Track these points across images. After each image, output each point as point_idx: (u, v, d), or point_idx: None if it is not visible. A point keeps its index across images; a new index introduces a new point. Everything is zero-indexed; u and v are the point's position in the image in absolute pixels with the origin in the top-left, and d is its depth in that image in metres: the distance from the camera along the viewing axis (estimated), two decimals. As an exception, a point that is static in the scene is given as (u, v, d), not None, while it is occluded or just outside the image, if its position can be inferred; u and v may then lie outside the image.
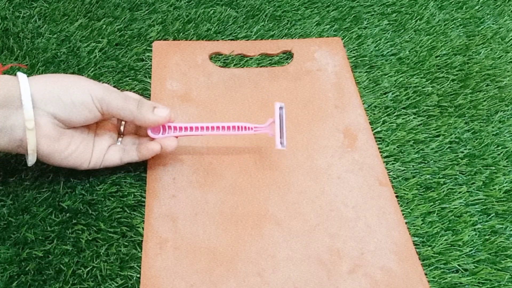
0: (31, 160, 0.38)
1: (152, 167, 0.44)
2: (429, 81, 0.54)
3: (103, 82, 0.40)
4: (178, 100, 0.49)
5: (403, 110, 0.51)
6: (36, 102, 0.36)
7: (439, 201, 0.44)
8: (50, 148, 0.37)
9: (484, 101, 0.53)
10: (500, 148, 0.49)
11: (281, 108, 0.42)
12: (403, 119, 0.50)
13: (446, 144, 0.48)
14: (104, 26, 0.55)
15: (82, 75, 0.39)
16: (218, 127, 0.42)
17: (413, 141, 0.48)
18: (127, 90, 0.49)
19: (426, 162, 0.47)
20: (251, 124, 0.42)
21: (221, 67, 0.53)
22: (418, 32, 0.60)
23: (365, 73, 0.54)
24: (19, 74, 0.37)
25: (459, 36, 0.60)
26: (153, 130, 0.41)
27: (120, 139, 0.43)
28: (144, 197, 0.42)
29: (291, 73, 0.53)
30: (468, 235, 0.42)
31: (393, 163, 0.46)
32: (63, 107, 0.37)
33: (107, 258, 0.38)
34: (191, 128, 0.42)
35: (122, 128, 0.43)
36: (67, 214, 0.40)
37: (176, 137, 0.42)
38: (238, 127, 0.42)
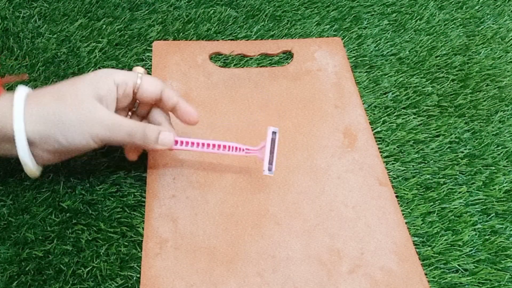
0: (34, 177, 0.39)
1: (152, 167, 0.44)
2: (429, 81, 0.54)
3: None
4: (178, 100, 0.49)
5: (403, 110, 0.51)
6: (34, 143, 0.36)
7: (439, 201, 0.44)
8: (50, 163, 0.39)
9: (484, 101, 0.53)
10: (500, 148, 0.49)
11: (274, 132, 0.41)
12: (403, 119, 0.50)
13: (446, 144, 0.49)
14: (104, 26, 0.55)
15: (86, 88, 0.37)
16: (208, 145, 0.41)
17: (413, 141, 0.48)
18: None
19: (426, 162, 0.47)
20: (243, 145, 0.42)
21: (221, 67, 0.53)
22: (418, 32, 0.60)
23: (365, 73, 0.54)
24: (16, 108, 0.35)
25: (459, 36, 0.60)
26: None
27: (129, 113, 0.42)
28: (144, 197, 0.42)
29: (291, 73, 0.53)
30: (468, 235, 0.42)
31: (393, 163, 0.46)
32: (60, 147, 0.36)
33: (107, 258, 0.38)
34: (187, 143, 0.41)
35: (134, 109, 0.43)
36: (67, 214, 0.40)
37: (171, 149, 0.42)
38: (230, 147, 0.42)
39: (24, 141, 0.35)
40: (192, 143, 0.41)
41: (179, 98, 0.41)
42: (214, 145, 0.41)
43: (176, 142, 0.41)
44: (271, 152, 0.41)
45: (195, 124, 0.42)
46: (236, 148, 0.42)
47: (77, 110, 0.36)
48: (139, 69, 0.42)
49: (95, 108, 0.36)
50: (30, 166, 0.37)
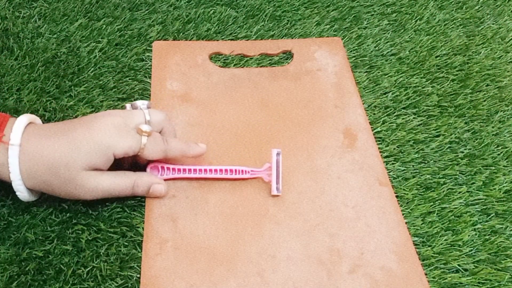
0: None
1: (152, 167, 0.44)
2: (429, 81, 0.54)
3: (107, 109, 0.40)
4: (178, 100, 0.49)
5: (403, 110, 0.51)
6: (27, 183, 0.37)
7: (439, 201, 0.44)
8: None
9: (484, 101, 0.53)
10: (500, 148, 0.49)
11: (278, 154, 0.43)
12: (403, 119, 0.50)
13: (446, 144, 0.48)
14: (104, 26, 0.55)
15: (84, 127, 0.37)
16: (215, 170, 0.43)
17: (413, 141, 0.48)
18: (127, 89, 0.49)
19: (426, 162, 0.47)
20: (248, 167, 0.43)
21: (221, 67, 0.53)
22: (418, 32, 0.60)
23: (365, 73, 0.54)
24: (10, 163, 0.36)
25: (459, 36, 0.60)
26: (152, 169, 0.42)
27: None
28: (144, 197, 0.42)
29: (291, 73, 0.53)
30: (468, 235, 0.42)
31: (393, 163, 0.46)
32: (53, 187, 0.38)
33: (107, 258, 0.38)
34: (189, 170, 0.42)
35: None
36: (67, 214, 0.40)
37: (174, 179, 0.42)
38: (236, 170, 0.43)
39: (23, 188, 0.38)
40: (195, 170, 0.42)
41: (185, 148, 0.41)
42: (220, 170, 0.43)
43: (179, 170, 0.42)
44: (277, 173, 0.43)
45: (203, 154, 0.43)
46: (242, 171, 0.43)
47: (66, 185, 0.37)
48: (140, 113, 0.40)
49: (84, 184, 0.37)
50: (30, 198, 0.39)
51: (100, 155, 0.37)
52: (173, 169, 0.42)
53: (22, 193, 0.38)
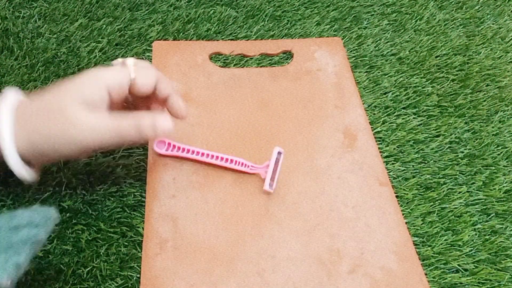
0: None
1: (152, 167, 0.44)
2: (429, 81, 0.54)
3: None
4: (178, 100, 0.49)
5: (403, 110, 0.51)
6: (25, 157, 0.35)
7: (439, 201, 0.44)
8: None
9: (484, 101, 0.53)
10: (500, 148, 0.49)
11: (279, 153, 0.44)
12: (403, 119, 0.50)
13: (446, 144, 0.49)
14: (104, 26, 0.55)
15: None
16: (218, 157, 0.44)
17: (413, 141, 0.48)
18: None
19: (426, 162, 0.47)
20: (248, 162, 0.44)
21: (221, 67, 0.53)
22: (418, 32, 0.60)
23: (365, 73, 0.54)
24: (5, 138, 0.34)
25: (459, 36, 0.60)
26: (159, 143, 0.43)
27: None
28: (144, 197, 0.42)
29: (291, 73, 0.53)
30: (468, 235, 0.42)
31: (393, 163, 0.46)
32: (52, 159, 0.36)
33: (107, 258, 0.38)
34: (194, 152, 0.44)
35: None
36: (67, 214, 0.40)
37: (177, 157, 0.44)
38: (237, 161, 0.44)
39: (17, 159, 0.35)
40: (203, 154, 0.43)
41: (172, 90, 0.39)
42: (221, 158, 0.43)
43: (184, 149, 0.44)
44: (274, 171, 0.43)
45: (183, 119, 0.41)
46: (242, 163, 0.44)
47: (63, 124, 0.34)
48: (129, 61, 0.38)
49: (81, 119, 0.34)
50: (27, 177, 0.36)
51: (92, 85, 0.35)
52: (179, 147, 0.44)
53: (16, 164, 0.35)
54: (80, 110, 0.34)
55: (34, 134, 0.34)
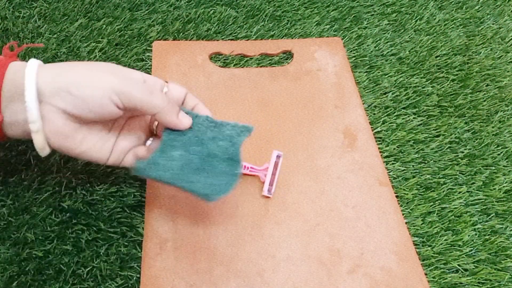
0: (43, 154, 0.36)
1: (152, 167, 0.44)
2: (429, 81, 0.54)
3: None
4: (178, 100, 0.49)
5: (403, 110, 0.51)
6: (44, 96, 0.33)
7: (439, 201, 0.44)
8: (60, 144, 0.35)
9: (484, 101, 0.53)
10: (500, 148, 0.49)
11: (278, 156, 0.44)
12: (403, 119, 0.50)
13: (446, 144, 0.49)
14: (104, 26, 0.55)
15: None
16: None
17: (413, 141, 0.48)
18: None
19: (426, 162, 0.47)
20: (248, 164, 0.44)
21: (221, 67, 0.53)
22: (418, 32, 0.60)
23: (365, 73, 0.54)
24: (29, 64, 0.33)
25: (459, 36, 0.60)
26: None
27: (151, 139, 0.39)
28: (144, 197, 0.42)
29: (291, 73, 0.53)
30: (468, 235, 0.42)
31: (393, 163, 0.46)
32: (73, 102, 0.33)
33: (107, 258, 0.38)
34: None
35: (154, 127, 0.39)
36: (67, 214, 0.40)
37: None
38: None
39: (32, 95, 0.33)
40: None
41: (198, 100, 0.40)
42: None
43: None
44: (273, 174, 0.43)
45: None
46: (243, 165, 0.43)
47: (95, 63, 0.35)
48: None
49: (109, 65, 0.35)
50: (38, 125, 0.33)
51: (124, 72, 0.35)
52: None
53: (33, 115, 0.33)
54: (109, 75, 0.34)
55: (59, 68, 0.34)
